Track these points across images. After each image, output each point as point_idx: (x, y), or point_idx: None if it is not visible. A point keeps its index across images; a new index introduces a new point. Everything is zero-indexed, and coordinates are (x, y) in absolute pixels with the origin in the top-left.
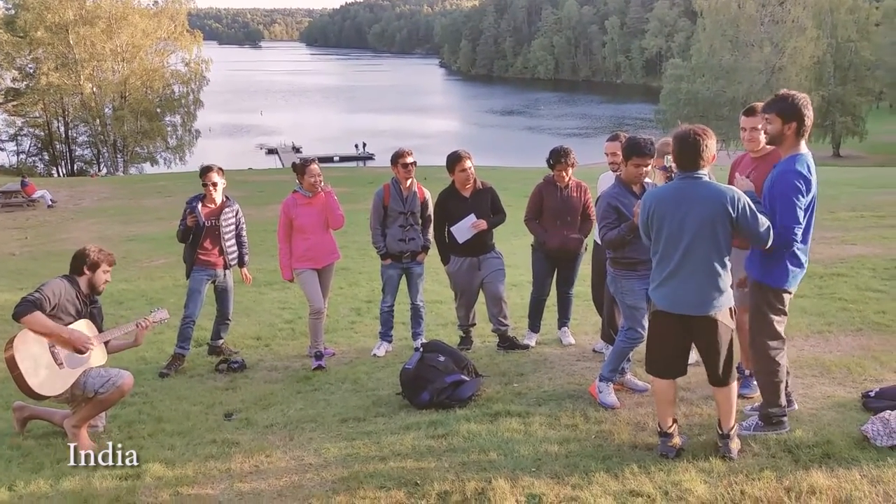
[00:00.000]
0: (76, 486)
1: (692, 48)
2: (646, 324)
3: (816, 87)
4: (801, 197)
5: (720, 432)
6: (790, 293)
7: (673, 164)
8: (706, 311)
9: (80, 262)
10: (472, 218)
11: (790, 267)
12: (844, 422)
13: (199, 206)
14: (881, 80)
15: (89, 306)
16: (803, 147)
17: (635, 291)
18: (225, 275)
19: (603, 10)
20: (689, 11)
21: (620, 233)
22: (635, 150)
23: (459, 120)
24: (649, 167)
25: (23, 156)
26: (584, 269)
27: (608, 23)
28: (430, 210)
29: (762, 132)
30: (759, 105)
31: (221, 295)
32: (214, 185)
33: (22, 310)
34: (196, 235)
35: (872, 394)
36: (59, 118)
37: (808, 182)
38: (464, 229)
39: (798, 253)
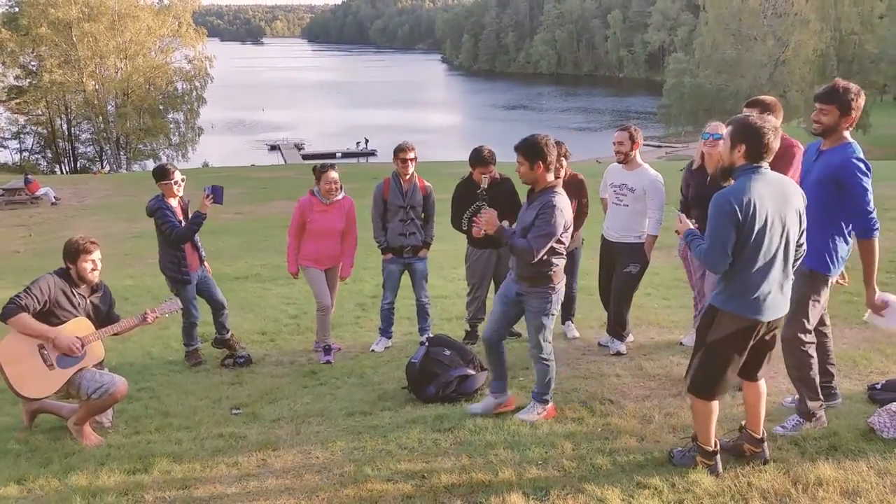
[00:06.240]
0: (84, 481)
1: (695, 42)
2: None
3: (820, 80)
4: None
5: (757, 437)
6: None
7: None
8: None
9: (64, 255)
10: None
11: (839, 251)
12: (851, 414)
13: (175, 202)
14: (885, 73)
15: (88, 297)
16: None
17: None
18: (202, 269)
19: (605, 3)
20: (692, 5)
21: None
22: None
23: (462, 115)
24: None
25: (26, 153)
26: (591, 263)
27: (611, 17)
28: (433, 202)
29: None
30: (763, 98)
31: (206, 287)
32: (182, 181)
33: (7, 312)
34: (187, 236)
35: (879, 386)
36: (62, 115)
37: (868, 165)
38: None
39: (847, 236)
